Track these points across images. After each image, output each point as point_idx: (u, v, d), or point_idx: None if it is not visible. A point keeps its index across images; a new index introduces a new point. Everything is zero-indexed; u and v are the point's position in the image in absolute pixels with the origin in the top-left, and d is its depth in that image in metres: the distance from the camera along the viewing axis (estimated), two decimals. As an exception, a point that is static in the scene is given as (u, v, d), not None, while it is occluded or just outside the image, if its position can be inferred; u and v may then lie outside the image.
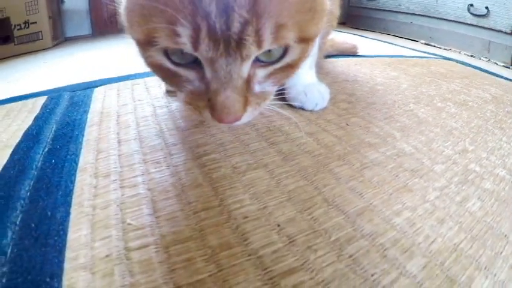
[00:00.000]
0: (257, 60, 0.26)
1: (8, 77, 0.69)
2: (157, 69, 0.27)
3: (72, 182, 0.30)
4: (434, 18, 1.44)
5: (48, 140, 0.37)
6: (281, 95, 0.46)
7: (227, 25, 0.22)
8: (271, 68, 0.27)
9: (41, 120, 0.42)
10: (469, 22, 1.29)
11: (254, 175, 0.31)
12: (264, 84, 0.28)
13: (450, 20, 1.37)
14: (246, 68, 0.25)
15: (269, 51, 0.25)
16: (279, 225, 0.25)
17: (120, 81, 0.57)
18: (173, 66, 0.26)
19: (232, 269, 0.21)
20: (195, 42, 0.23)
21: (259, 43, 0.23)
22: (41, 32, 1.06)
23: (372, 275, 0.22)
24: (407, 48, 1.29)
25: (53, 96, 0.51)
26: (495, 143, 0.43)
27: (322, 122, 0.42)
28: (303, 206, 0.27)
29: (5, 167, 0.32)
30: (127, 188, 0.29)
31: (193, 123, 0.41)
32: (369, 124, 0.43)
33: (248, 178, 0.31)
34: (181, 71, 0.26)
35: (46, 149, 0.35)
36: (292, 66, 0.28)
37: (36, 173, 0.31)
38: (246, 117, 0.27)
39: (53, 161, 0.33)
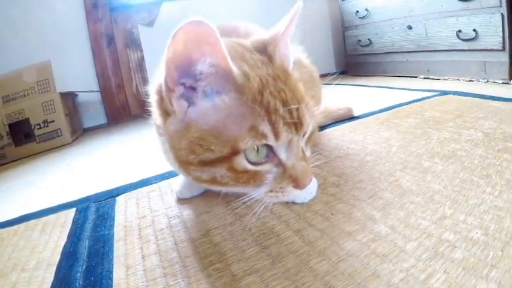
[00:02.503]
0: None
1: (38, 183, 0.87)
2: (240, 177, 0.37)
3: None
4: (428, 52, 1.53)
5: (84, 258, 0.48)
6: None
7: (291, 115, 0.36)
8: (305, 138, 0.41)
9: (74, 237, 0.54)
10: (460, 48, 1.36)
11: (249, 280, 0.40)
12: (306, 149, 0.42)
13: (443, 50, 1.45)
14: (304, 141, 0.40)
15: None
16: None
17: (138, 186, 0.71)
18: (254, 167, 0.37)
19: None
20: (276, 134, 0.35)
21: (309, 120, 0.38)
22: (59, 129, 1.25)
23: None
24: (405, 89, 1.36)
25: (81, 208, 0.64)
26: (477, 198, 0.48)
27: (310, 215, 0.51)
28: None
29: (53, 285, 0.43)
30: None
31: (201, 233, 0.51)
32: (352, 209, 0.51)
33: (244, 284, 0.39)
34: (260, 168, 0.38)
35: (84, 267, 0.46)
36: (313, 135, 0.44)
37: None
38: (314, 181, 0.41)
39: (92, 278, 0.43)
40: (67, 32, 1.48)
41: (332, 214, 0.50)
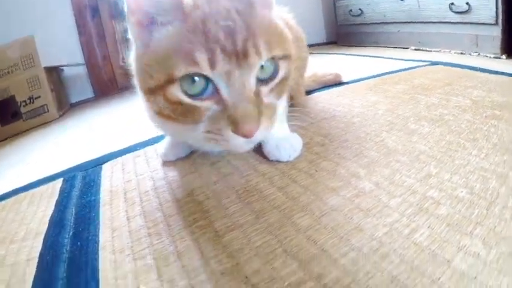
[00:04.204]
0: (259, 80, 0.36)
1: (26, 159, 0.82)
2: (173, 109, 0.35)
3: (97, 260, 0.38)
4: (420, 23, 1.50)
5: (71, 224, 0.46)
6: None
7: (234, 44, 0.32)
8: (271, 85, 0.37)
9: (61, 206, 0.51)
10: (453, 21, 1.34)
11: (231, 236, 0.38)
12: (269, 97, 0.37)
13: (435, 22, 1.43)
14: (253, 78, 0.35)
15: (262, 68, 0.35)
16: (246, 277, 0.32)
17: (124, 153, 0.68)
18: (191, 100, 0.34)
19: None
20: (212, 63, 0.32)
21: (258, 53, 0.33)
22: (46, 105, 1.20)
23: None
24: (396, 59, 1.35)
25: (67, 178, 0.61)
26: (463, 159, 0.48)
27: (294, 173, 0.49)
28: (266, 259, 0.34)
29: (41, 253, 0.41)
30: (138, 260, 0.37)
31: (185, 192, 0.49)
32: (337, 166, 0.49)
33: (227, 239, 0.38)
34: (198, 103, 0.35)
35: (71, 233, 0.44)
36: (283, 83, 0.38)
37: (67, 255, 0.40)
38: (261, 131, 0.35)
39: (79, 243, 0.41)
40: (50, 3, 1.40)
41: (316, 171, 0.48)
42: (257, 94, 0.36)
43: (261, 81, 0.36)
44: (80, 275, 0.36)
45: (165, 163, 0.59)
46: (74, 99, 1.54)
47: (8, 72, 1.15)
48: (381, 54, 1.53)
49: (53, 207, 0.52)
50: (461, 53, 1.37)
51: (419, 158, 0.49)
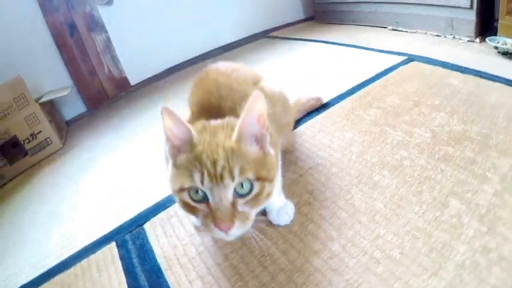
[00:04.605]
0: (237, 194, 0.51)
1: (60, 212, 1.01)
2: (186, 206, 0.53)
3: None
4: (397, 4, 1.55)
5: None
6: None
7: (214, 169, 0.49)
8: (246, 198, 0.52)
9: (132, 273, 0.72)
10: (429, 3, 1.41)
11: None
12: (244, 207, 0.53)
13: (413, 4, 1.48)
14: (229, 193, 0.50)
15: (242, 186, 0.51)
16: None
17: (157, 212, 0.87)
18: (193, 203, 0.53)
19: None
20: (201, 181, 0.50)
21: (231, 177, 0.50)
22: (48, 138, 1.32)
23: None
24: (373, 50, 1.47)
25: (119, 242, 0.81)
26: (405, 218, 0.69)
27: (290, 237, 0.70)
28: None
29: None
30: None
31: (222, 258, 0.69)
32: (319, 229, 0.70)
33: None
34: (198, 205, 0.53)
35: None
36: (258, 197, 0.52)
37: None
38: (236, 229, 0.51)
39: None
40: (24, 31, 1.40)
41: (305, 235, 0.70)
42: (233, 204, 0.51)
43: (239, 195, 0.51)
44: None
45: (197, 227, 0.81)
46: (67, 116, 1.60)
47: (5, 115, 1.22)
48: (359, 38, 1.62)
49: (123, 274, 0.73)
50: (437, 35, 1.45)
51: (374, 219, 0.70)
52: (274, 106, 0.73)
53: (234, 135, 0.52)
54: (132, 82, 1.67)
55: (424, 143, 0.86)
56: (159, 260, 0.74)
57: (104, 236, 0.86)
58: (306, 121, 1.07)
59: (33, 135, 1.29)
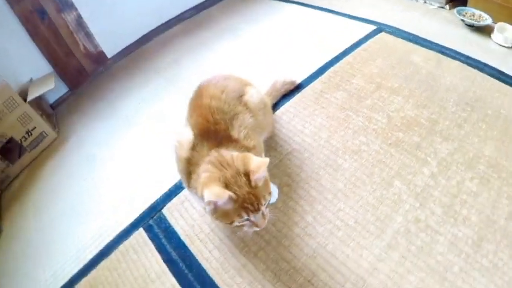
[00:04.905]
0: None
1: (77, 207, 1.14)
2: (231, 224, 0.72)
3: (208, 275, 0.85)
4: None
5: (180, 261, 0.88)
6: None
7: (254, 207, 0.69)
8: (266, 207, 0.75)
9: (164, 251, 0.91)
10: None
11: (261, 253, 0.85)
12: (266, 211, 0.75)
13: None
14: (261, 213, 0.73)
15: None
16: (276, 265, 0.81)
17: (171, 198, 1.03)
18: (239, 223, 0.71)
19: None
20: (248, 215, 0.70)
21: (262, 206, 0.71)
22: (43, 131, 1.38)
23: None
24: (344, 16, 1.60)
25: (146, 227, 0.99)
26: (359, 195, 0.90)
27: (277, 212, 0.90)
28: (276, 260, 0.82)
29: (178, 281, 0.86)
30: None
31: (230, 231, 0.91)
32: (296, 205, 0.91)
33: (260, 254, 0.85)
34: (244, 223, 0.72)
35: (184, 266, 0.87)
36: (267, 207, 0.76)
37: (192, 276, 0.86)
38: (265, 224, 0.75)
39: (194, 270, 0.86)
40: None
41: (287, 210, 0.92)
42: (263, 214, 0.73)
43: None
44: (204, 281, 0.83)
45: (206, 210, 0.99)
46: (51, 100, 1.61)
47: None
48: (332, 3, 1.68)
49: (156, 253, 0.93)
50: (410, -1, 1.55)
51: (337, 196, 0.92)
52: (256, 115, 0.88)
53: (253, 183, 0.70)
54: (109, 55, 1.65)
55: (380, 128, 1.06)
56: (182, 238, 0.94)
57: (131, 224, 1.03)
58: (283, 104, 1.22)
59: (28, 133, 1.34)
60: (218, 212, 0.70)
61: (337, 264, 0.81)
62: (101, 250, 0.99)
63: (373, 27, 1.49)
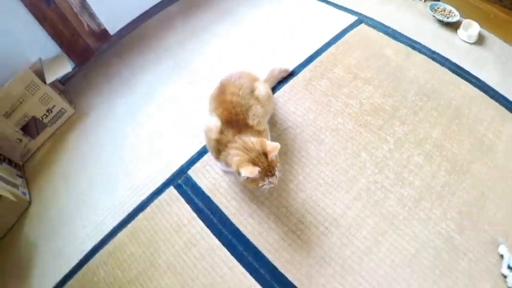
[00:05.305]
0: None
1: (117, 172, 1.46)
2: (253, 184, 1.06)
3: (231, 221, 1.21)
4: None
5: (207, 210, 1.21)
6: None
7: (272, 173, 1.04)
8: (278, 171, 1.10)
9: (193, 203, 1.24)
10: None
11: (266, 203, 1.21)
12: (277, 171, 1.08)
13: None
14: (276, 174, 1.07)
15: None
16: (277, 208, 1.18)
17: (195, 163, 1.33)
18: (261, 184, 1.04)
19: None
20: (268, 179, 1.04)
21: (276, 172, 1.06)
22: (62, 108, 1.57)
23: None
24: (330, 5, 1.83)
25: (176, 186, 1.29)
26: (336, 162, 1.27)
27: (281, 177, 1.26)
28: (286, 204, 1.19)
29: (207, 226, 1.22)
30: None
31: (242, 187, 1.26)
32: (292, 169, 1.26)
33: (266, 203, 1.21)
34: (264, 183, 1.05)
35: (210, 213, 1.21)
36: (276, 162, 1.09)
37: (217, 222, 1.22)
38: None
39: (217, 215, 1.20)
40: (2, 16, 1.42)
41: (284, 174, 1.26)
42: (276, 176, 1.05)
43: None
44: (225, 223, 1.18)
45: (224, 172, 1.30)
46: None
47: (20, 103, 1.43)
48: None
49: (187, 205, 1.25)
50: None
51: (320, 162, 1.27)
52: (264, 105, 1.19)
53: (270, 160, 1.03)
54: (112, 32, 1.79)
55: (354, 112, 1.40)
56: (206, 192, 1.27)
57: (163, 183, 1.33)
58: (279, 88, 1.51)
59: (49, 111, 1.53)
60: (248, 181, 1.03)
61: (319, 209, 1.19)
62: (138, 205, 1.29)
63: (354, 18, 1.75)
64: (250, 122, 1.12)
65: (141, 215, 1.27)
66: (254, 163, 1.01)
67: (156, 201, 1.28)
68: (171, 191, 1.30)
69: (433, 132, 1.38)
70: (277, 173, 1.06)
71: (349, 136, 1.34)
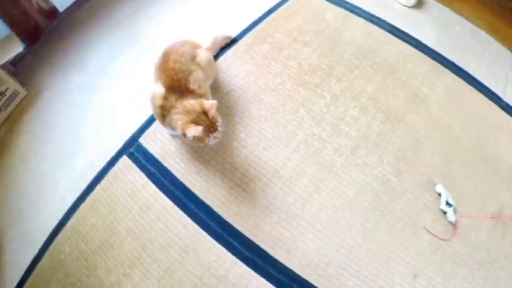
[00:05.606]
0: None
1: (72, 145, 1.46)
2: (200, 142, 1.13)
3: (185, 183, 1.28)
4: None
5: (160, 176, 1.28)
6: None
7: (214, 128, 1.12)
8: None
9: (146, 169, 1.29)
10: None
11: (212, 155, 1.30)
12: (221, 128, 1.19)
13: None
14: (219, 129, 1.15)
15: None
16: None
17: (145, 130, 1.40)
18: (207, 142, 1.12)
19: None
20: (213, 134, 1.12)
21: (219, 127, 1.14)
22: (15, 90, 1.54)
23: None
24: None
25: (128, 154, 1.36)
26: (276, 119, 1.36)
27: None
28: (231, 154, 1.28)
29: (164, 192, 1.30)
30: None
31: (193, 149, 1.34)
32: (236, 125, 1.35)
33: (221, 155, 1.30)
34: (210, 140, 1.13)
35: (166, 179, 1.28)
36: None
37: (171, 187, 1.29)
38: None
39: (170, 178, 1.28)
40: None
41: (226, 131, 1.34)
42: (219, 131, 1.13)
43: None
44: (175, 183, 1.27)
45: (172, 136, 1.36)
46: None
47: None
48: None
49: (140, 171, 1.30)
50: None
51: (260, 120, 1.36)
52: (205, 70, 1.24)
53: (210, 116, 1.10)
54: (61, 9, 1.76)
55: (292, 72, 1.48)
56: (156, 157, 1.32)
57: (116, 153, 1.36)
58: (222, 54, 1.56)
59: (2, 94, 1.50)
60: (195, 140, 1.10)
61: (261, 163, 1.29)
62: (94, 177, 1.33)
63: None
64: (192, 87, 1.18)
65: (98, 187, 1.31)
66: (197, 123, 1.08)
67: (111, 172, 1.33)
68: (125, 159, 1.35)
69: (368, 87, 1.49)
70: (219, 127, 1.13)
71: (288, 94, 1.43)
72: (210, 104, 1.10)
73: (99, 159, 1.39)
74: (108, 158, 1.38)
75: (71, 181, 1.36)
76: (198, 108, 1.10)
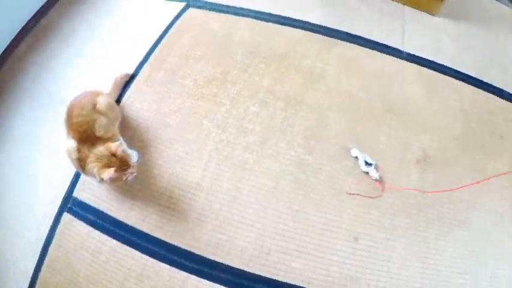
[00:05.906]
0: None
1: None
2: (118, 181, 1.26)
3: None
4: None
5: None
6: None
7: (128, 166, 1.27)
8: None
9: (84, 218, 1.46)
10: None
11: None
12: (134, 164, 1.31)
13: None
14: (132, 165, 1.29)
15: None
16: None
17: (74, 184, 1.52)
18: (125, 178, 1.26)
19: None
20: (127, 171, 1.25)
21: (131, 163, 1.29)
22: None
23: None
24: None
25: (68, 210, 1.48)
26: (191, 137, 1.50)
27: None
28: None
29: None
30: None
31: (120, 187, 1.46)
32: (153, 154, 1.48)
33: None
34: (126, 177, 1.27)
35: None
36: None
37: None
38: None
39: None
40: None
41: (146, 161, 1.47)
42: (133, 166, 1.28)
43: None
44: (115, 222, 1.40)
45: (98, 182, 1.49)
46: None
47: None
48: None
49: (81, 222, 1.40)
50: None
51: (171, 142, 1.50)
52: (108, 115, 1.35)
53: (119, 156, 1.22)
54: None
55: (190, 90, 1.62)
56: (91, 204, 1.41)
57: (57, 213, 1.42)
58: (126, 91, 1.66)
59: None
60: (112, 180, 1.21)
61: (183, 181, 1.43)
62: (45, 239, 1.39)
63: (182, 5, 1.90)
64: (98, 134, 1.30)
65: (51, 248, 1.39)
66: (109, 166, 1.21)
67: (58, 231, 1.40)
68: (66, 216, 1.43)
69: (263, 81, 1.64)
70: (131, 163, 1.26)
71: (190, 112, 1.56)
72: (115, 146, 1.23)
73: (44, 223, 1.48)
74: (51, 221, 1.48)
75: (23, 252, 1.43)
76: (106, 152, 1.23)
